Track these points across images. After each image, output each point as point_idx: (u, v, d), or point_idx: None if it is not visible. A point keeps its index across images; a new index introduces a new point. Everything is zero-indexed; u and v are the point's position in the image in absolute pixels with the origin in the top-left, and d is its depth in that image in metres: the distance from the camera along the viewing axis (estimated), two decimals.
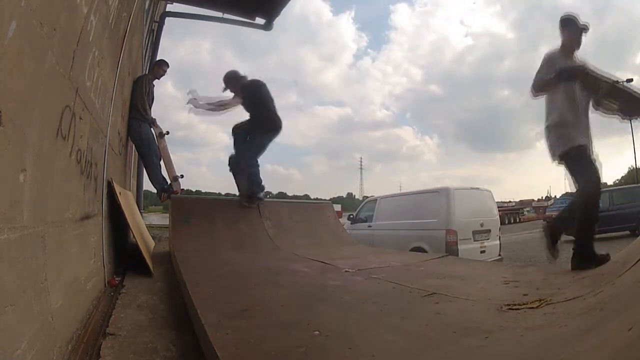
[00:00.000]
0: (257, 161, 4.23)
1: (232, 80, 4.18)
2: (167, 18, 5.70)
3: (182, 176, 4.88)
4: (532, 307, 1.43)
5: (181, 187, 4.85)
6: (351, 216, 7.79)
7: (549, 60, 2.41)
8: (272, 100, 4.19)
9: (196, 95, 4.18)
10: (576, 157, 2.26)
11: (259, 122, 4.04)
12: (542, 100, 2.45)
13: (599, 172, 2.26)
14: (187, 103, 4.14)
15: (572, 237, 2.22)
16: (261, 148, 4.14)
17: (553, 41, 2.51)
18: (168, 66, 4.59)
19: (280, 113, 4.15)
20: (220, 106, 4.21)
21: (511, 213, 25.97)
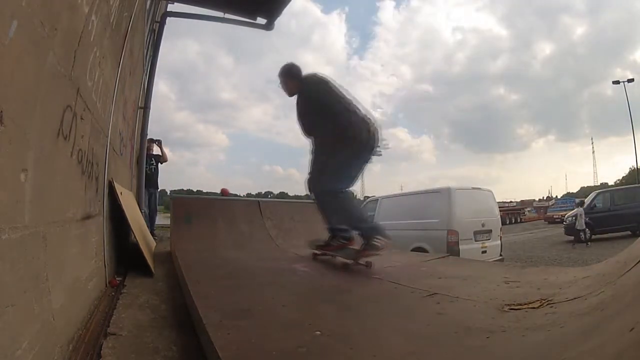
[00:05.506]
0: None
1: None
2: (168, 18, 5.71)
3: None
4: (534, 308, 1.43)
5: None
6: None
7: None
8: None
9: None
10: None
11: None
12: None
13: None
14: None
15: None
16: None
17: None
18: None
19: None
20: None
21: (512, 213, 25.95)
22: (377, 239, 2.54)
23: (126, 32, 2.61)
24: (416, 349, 1.15)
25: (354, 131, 2.56)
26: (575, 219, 10.83)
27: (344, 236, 2.78)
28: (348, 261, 2.62)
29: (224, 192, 6.05)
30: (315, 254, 3.01)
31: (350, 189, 2.74)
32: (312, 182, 2.77)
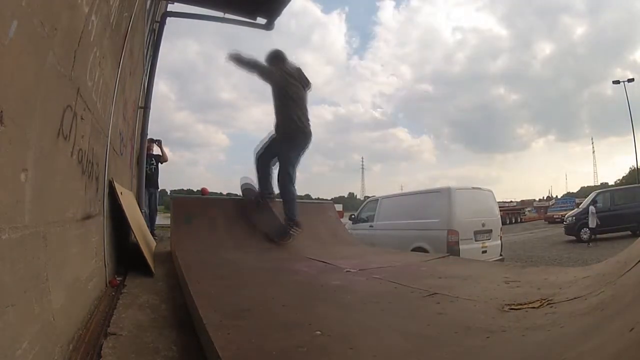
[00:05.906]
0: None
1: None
2: (168, 18, 5.71)
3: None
4: (534, 307, 1.43)
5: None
6: (353, 216, 7.79)
7: None
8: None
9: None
10: None
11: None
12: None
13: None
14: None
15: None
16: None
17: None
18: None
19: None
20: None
21: (512, 213, 25.94)
22: (295, 229, 3.71)
23: (126, 32, 2.61)
24: (416, 349, 1.15)
25: (297, 128, 3.67)
26: (575, 218, 10.85)
27: (269, 196, 4.05)
28: (274, 239, 3.69)
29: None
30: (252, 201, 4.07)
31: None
32: (265, 163, 3.95)
